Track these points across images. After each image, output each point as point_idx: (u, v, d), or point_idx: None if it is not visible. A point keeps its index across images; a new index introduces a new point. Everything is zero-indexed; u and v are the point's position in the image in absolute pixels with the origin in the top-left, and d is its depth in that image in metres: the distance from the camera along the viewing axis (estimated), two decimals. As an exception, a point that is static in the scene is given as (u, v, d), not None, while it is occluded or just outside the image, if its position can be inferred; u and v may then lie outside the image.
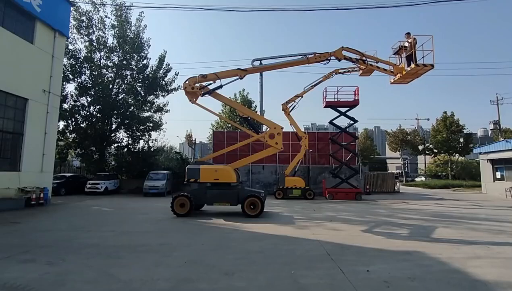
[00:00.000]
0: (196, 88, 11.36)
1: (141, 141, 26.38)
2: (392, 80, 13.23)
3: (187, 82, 11.38)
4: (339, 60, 13.13)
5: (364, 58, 12.99)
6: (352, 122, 20.82)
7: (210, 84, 11.67)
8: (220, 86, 11.67)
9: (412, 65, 11.77)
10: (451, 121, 39.61)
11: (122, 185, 23.51)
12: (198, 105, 11.75)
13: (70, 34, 20.83)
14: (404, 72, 12.34)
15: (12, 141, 13.16)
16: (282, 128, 11.78)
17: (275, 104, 21.51)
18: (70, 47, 22.64)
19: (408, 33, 12.49)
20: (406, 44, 12.31)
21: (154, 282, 4.31)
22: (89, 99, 23.90)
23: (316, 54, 12.78)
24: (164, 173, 21.56)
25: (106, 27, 24.03)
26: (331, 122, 21.27)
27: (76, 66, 23.13)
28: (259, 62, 12.51)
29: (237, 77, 11.86)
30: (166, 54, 25.82)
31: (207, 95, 11.73)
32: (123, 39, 23.68)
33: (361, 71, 19.02)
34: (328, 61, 13.09)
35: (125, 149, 25.76)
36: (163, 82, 25.70)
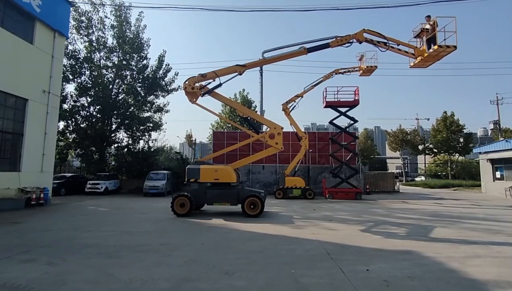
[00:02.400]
0: (196, 88, 11.35)
1: (141, 142, 26.46)
2: (412, 64, 12.96)
3: (186, 82, 11.37)
4: (360, 42, 12.90)
5: (385, 40, 12.80)
6: (352, 122, 20.84)
7: (209, 83, 11.67)
8: (220, 85, 11.63)
9: (435, 47, 11.57)
10: (451, 121, 39.62)
11: (122, 185, 23.52)
12: (198, 105, 11.76)
13: (69, 35, 20.81)
14: (425, 55, 12.12)
15: (12, 141, 13.16)
16: (282, 128, 11.77)
17: (275, 104, 21.53)
18: (70, 47, 22.65)
19: (429, 16, 12.27)
20: (428, 26, 12.12)
21: (154, 282, 4.32)
22: (89, 99, 23.91)
23: (338, 38, 12.66)
24: (164, 173, 21.55)
25: (106, 27, 24.07)
26: (331, 122, 21.29)
27: (76, 66, 23.12)
28: (268, 53, 12.40)
29: (237, 73, 11.83)
30: (165, 54, 25.88)
31: (207, 95, 11.74)
32: (123, 40, 23.68)
33: (361, 71, 19.05)
34: (350, 44, 12.90)
35: (125, 149, 25.76)
36: (163, 82, 25.71)
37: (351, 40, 12.80)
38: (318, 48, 12.81)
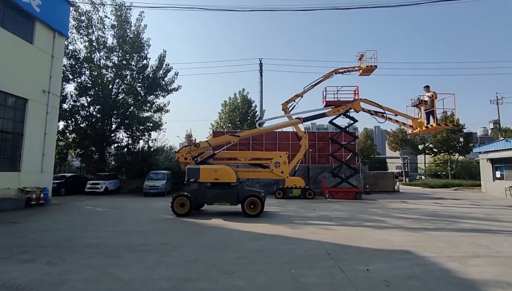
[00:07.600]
0: (189, 158, 11.41)
1: (141, 142, 26.43)
2: (411, 131, 13.32)
3: (179, 152, 11.43)
4: (357, 112, 13.44)
5: (382, 110, 13.07)
6: (352, 122, 20.79)
7: (203, 153, 12.16)
8: (214, 154, 12.06)
9: (434, 124, 11.80)
10: (451, 121, 39.56)
11: (122, 185, 23.53)
12: None
13: (69, 34, 20.82)
14: (424, 128, 12.42)
15: (12, 141, 13.15)
16: (286, 153, 11.94)
17: (275, 103, 21.52)
18: (70, 47, 22.64)
19: (427, 86, 12.41)
20: (426, 98, 12.25)
21: (154, 282, 4.32)
22: (89, 99, 23.90)
23: (335, 109, 13.06)
24: (164, 172, 21.56)
25: (106, 27, 24.04)
26: (331, 122, 21.25)
27: (76, 66, 23.12)
28: (265, 123, 13.47)
29: (231, 143, 12.41)
30: (166, 54, 25.88)
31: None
32: (123, 39, 23.68)
33: (361, 71, 19.04)
34: (347, 112, 13.42)
35: (125, 149, 25.75)
36: (163, 82, 25.71)
37: (348, 110, 13.23)
38: (314, 117, 13.36)
